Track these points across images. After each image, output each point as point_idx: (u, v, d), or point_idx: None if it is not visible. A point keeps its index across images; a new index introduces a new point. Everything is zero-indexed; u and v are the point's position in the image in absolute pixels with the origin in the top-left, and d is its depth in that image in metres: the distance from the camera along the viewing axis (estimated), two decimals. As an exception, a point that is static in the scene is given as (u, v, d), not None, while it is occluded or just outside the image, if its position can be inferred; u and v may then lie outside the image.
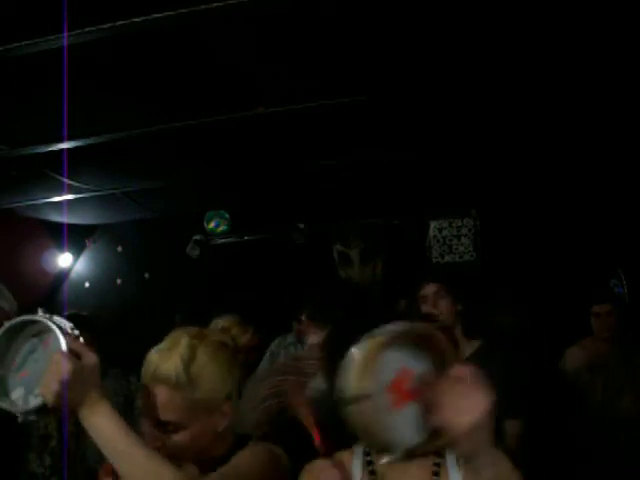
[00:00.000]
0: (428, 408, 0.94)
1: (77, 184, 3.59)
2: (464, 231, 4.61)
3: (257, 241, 4.87)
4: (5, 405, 1.24)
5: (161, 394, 1.23)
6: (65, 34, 1.81)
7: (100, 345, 2.79)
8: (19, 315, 1.35)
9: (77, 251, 5.24)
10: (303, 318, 2.26)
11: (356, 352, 1.01)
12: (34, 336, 1.31)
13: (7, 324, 1.30)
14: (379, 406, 0.97)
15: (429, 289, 2.66)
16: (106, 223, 5.04)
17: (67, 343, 1.20)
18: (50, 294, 5.03)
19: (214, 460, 1.27)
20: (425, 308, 2.64)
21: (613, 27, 2.05)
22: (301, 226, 4.77)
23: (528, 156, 3.59)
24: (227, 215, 4.78)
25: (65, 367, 1.12)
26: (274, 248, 4.76)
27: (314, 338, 2.20)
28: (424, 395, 0.95)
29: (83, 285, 5.27)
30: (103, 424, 1.13)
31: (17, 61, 2.00)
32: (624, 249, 4.07)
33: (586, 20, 2.01)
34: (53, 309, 1.33)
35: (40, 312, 1.29)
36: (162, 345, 1.30)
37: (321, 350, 1.98)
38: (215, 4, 1.74)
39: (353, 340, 1.39)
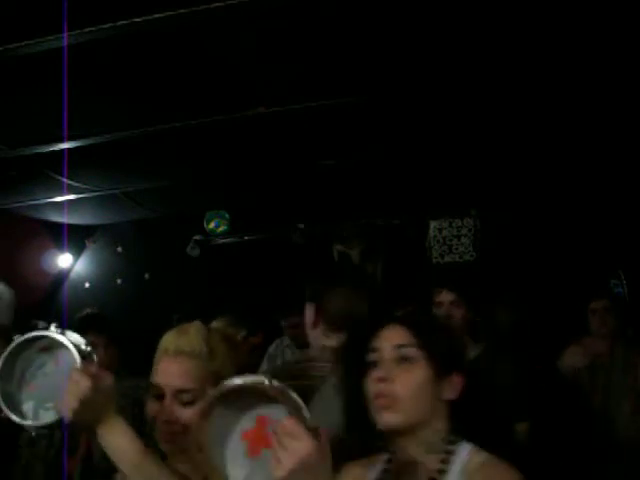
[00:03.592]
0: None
1: (77, 184, 3.59)
2: (464, 231, 4.61)
3: (257, 241, 4.87)
4: (17, 418, 1.27)
5: (184, 363, 1.32)
6: (65, 34, 1.81)
7: (117, 345, 2.79)
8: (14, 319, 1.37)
9: (77, 251, 5.23)
10: (320, 325, 2.12)
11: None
12: (42, 350, 1.32)
13: (18, 340, 1.30)
14: (232, 453, 1.02)
15: (445, 297, 2.62)
16: (106, 223, 5.03)
17: (83, 361, 1.25)
18: (50, 294, 5.03)
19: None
20: (438, 313, 2.63)
21: (613, 27, 2.05)
22: (301, 226, 4.77)
23: (528, 156, 3.59)
24: (227, 215, 4.78)
25: (84, 385, 1.17)
26: (274, 248, 4.76)
27: (327, 341, 2.09)
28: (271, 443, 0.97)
29: (83, 285, 5.26)
30: (119, 441, 1.21)
31: (17, 61, 2.00)
32: (624, 249, 4.07)
33: (586, 20, 2.01)
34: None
35: (53, 327, 1.32)
36: (175, 330, 1.40)
37: (338, 361, 1.94)
38: (215, 4, 1.74)
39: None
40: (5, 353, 1.30)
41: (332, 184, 3.99)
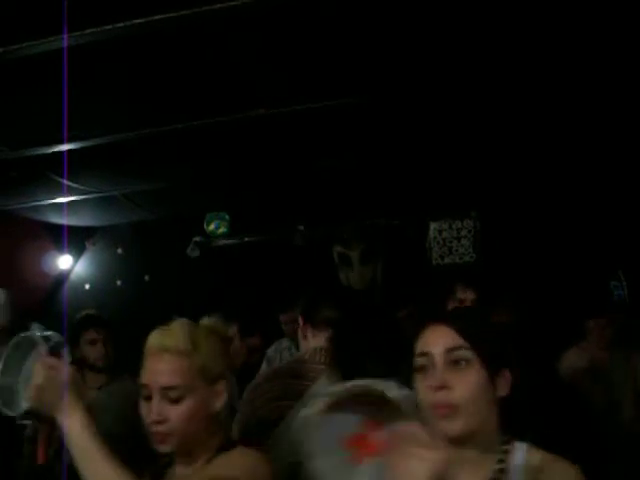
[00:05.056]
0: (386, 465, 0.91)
1: (77, 186, 3.60)
2: (464, 232, 4.61)
3: (257, 243, 4.87)
4: (5, 409, 1.42)
5: (169, 361, 1.34)
6: (65, 35, 1.82)
7: (115, 344, 2.79)
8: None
9: (77, 253, 5.23)
10: (300, 321, 2.24)
11: (308, 412, 1.02)
12: (32, 346, 1.45)
13: (13, 341, 1.46)
14: (336, 462, 0.96)
15: (468, 295, 2.61)
16: (106, 225, 5.04)
17: (44, 355, 1.38)
18: (50, 296, 5.03)
19: (200, 458, 1.34)
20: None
21: (613, 27, 2.06)
22: (301, 228, 4.77)
23: (528, 158, 3.59)
24: (227, 217, 4.78)
25: (39, 376, 1.30)
26: (274, 250, 4.76)
27: (314, 341, 2.17)
28: (383, 451, 0.91)
29: (83, 287, 5.26)
30: (74, 429, 1.28)
31: (17, 62, 2.00)
32: (624, 250, 4.07)
33: (585, 20, 2.02)
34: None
35: (34, 326, 1.51)
36: (159, 328, 1.43)
37: (330, 355, 2.00)
38: (214, 6, 1.74)
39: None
40: (6, 351, 1.44)
41: (332, 186, 3.99)
